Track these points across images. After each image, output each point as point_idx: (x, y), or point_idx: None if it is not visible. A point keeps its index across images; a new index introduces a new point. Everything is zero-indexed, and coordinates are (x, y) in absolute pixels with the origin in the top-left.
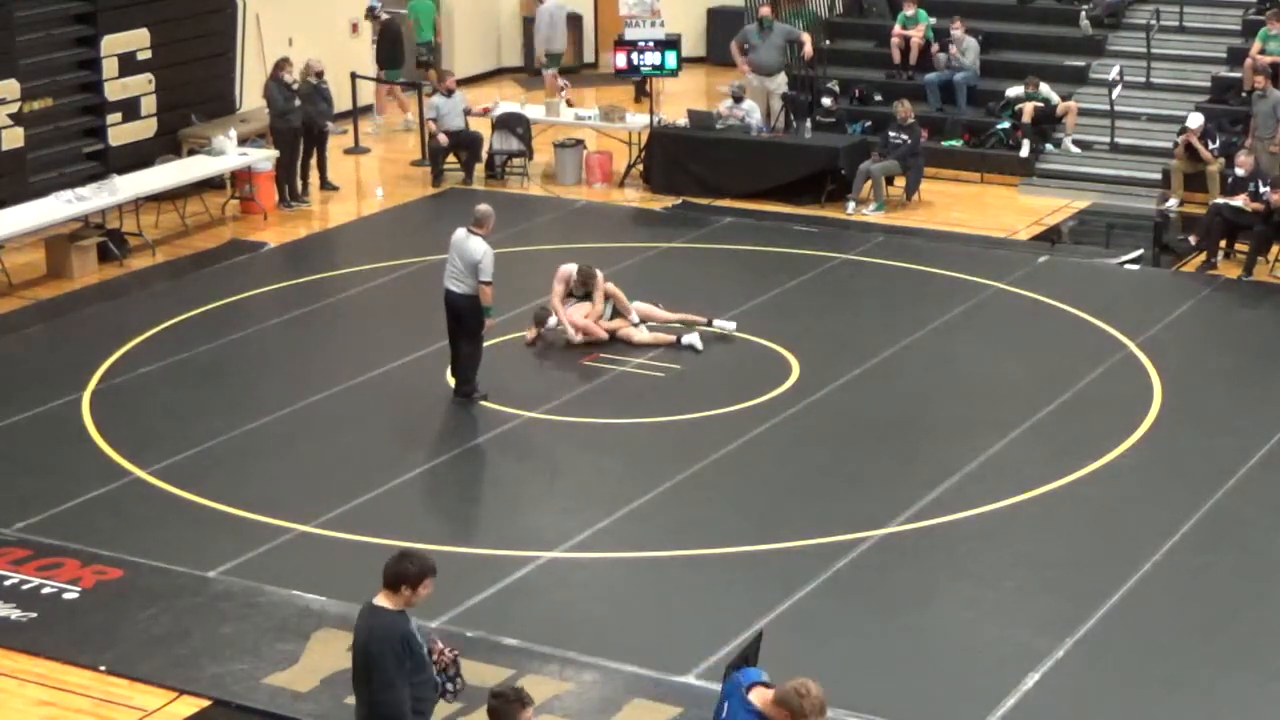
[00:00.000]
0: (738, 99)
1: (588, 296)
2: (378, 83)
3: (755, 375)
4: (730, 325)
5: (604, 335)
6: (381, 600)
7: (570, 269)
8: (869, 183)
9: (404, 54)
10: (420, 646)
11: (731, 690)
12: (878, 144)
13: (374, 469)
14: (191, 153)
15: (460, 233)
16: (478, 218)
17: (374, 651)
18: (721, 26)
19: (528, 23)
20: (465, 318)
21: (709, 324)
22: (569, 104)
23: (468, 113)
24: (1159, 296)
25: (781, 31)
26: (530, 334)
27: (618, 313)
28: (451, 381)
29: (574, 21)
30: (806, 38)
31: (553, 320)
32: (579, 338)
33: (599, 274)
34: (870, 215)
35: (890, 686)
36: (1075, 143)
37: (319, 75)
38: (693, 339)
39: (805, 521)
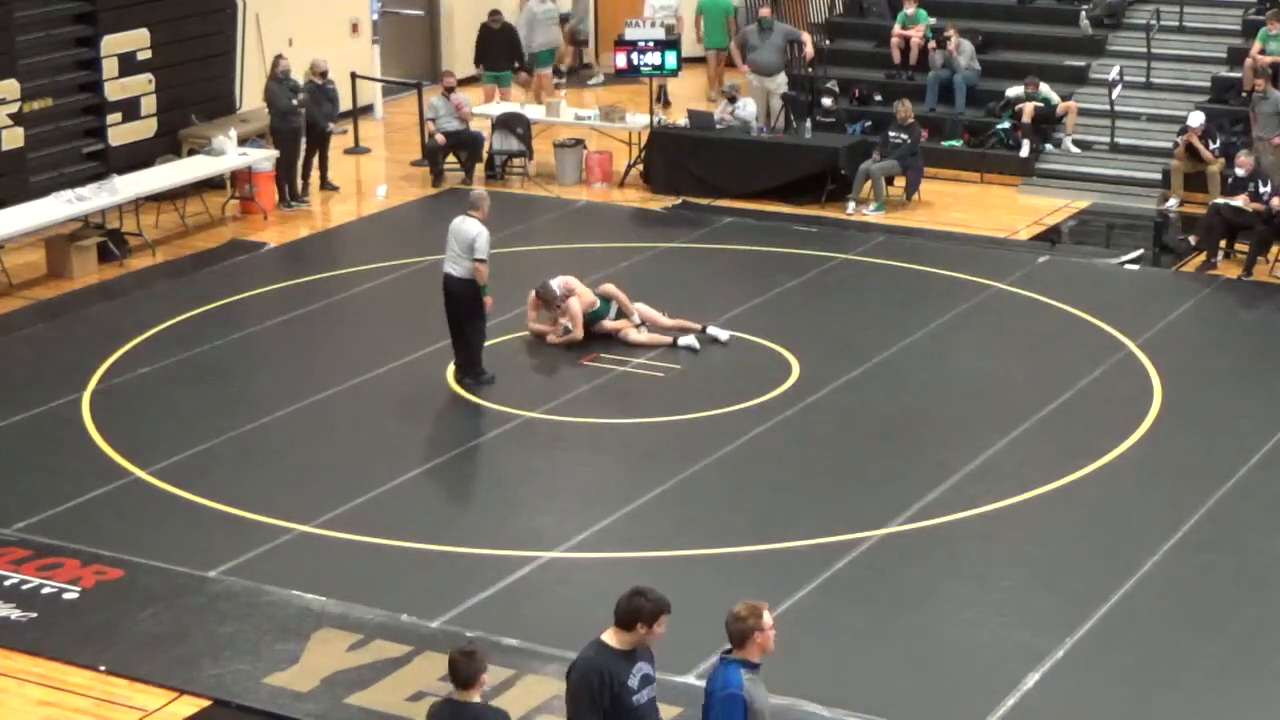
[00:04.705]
0: (732, 99)
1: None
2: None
3: (755, 375)
4: (724, 335)
5: (577, 335)
6: (608, 637)
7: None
8: (869, 183)
9: (521, 55)
10: (629, 694)
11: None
12: (878, 143)
13: (374, 469)
14: (191, 153)
15: (457, 218)
16: (473, 201)
17: (573, 679)
18: None
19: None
20: (464, 300)
21: (703, 331)
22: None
23: (464, 118)
24: (1159, 296)
25: (781, 31)
26: (553, 337)
27: (621, 314)
28: (452, 381)
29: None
30: (807, 38)
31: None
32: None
33: (554, 286)
34: (870, 215)
35: (890, 686)
36: (1075, 143)
37: (323, 75)
38: (690, 340)
39: (805, 521)
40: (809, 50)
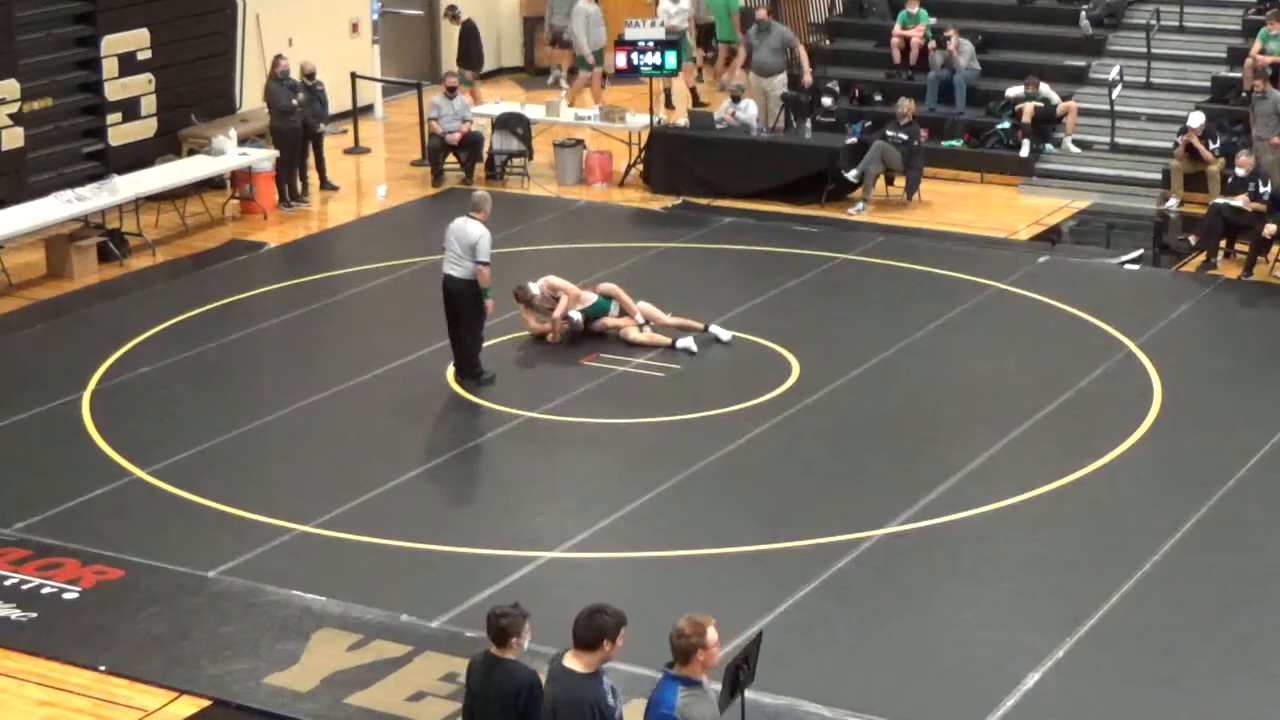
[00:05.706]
0: (736, 99)
1: (546, 303)
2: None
3: (755, 375)
4: (726, 335)
5: (574, 317)
6: (571, 661)
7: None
8: (879, 179)
9: (481, 55)
10: (612, 710)
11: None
12: (878, 137)
13: (374, 469)
14: (191, 153)
15: (459, 219)
16: (475, 203)
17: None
18: None
19: (528, 22)
20: (464, 302)
21: (705, 330)
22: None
23: (465, 120)
24: (1159, 296)
25: (779, 33)
26: (551, 336)
27: (624, 313)
28: (452, 381)
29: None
30: (803, 52)
31: (575, 315)
32: (562, 317)
33: (531, 287)
34: (856, 214)
35: (890, 686)
36: (1075, 143)
37: (310, 75)
38: (687, 343)
39: (805, 521)
40: (806, 77)
